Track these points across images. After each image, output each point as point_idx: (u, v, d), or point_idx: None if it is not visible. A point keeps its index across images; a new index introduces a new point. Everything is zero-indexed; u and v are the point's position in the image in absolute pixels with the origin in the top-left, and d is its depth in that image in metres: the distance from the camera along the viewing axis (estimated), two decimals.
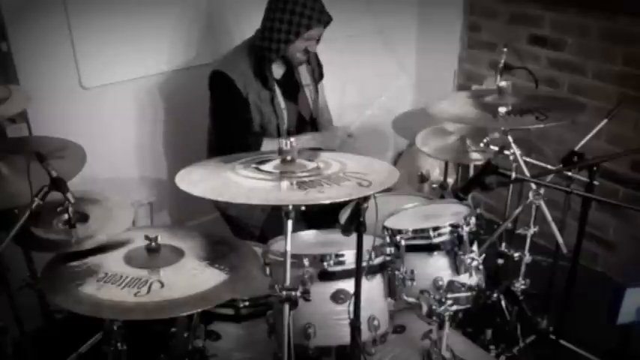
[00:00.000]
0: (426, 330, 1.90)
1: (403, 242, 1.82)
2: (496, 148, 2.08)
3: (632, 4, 2.63)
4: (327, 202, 1.44)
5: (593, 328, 2.39)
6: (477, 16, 3.36)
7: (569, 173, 2.00)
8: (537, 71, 2.67)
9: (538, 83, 2.57)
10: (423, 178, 2.80)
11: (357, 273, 1.57)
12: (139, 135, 2.86)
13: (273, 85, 2.48)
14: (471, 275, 1.86)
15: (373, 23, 3.35)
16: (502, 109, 2.07)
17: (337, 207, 1.91)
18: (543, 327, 2.34)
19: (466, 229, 1.87)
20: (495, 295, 2.17)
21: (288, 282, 1.53)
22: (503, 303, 2.36)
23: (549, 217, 2.19)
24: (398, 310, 1.84)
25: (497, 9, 3.23)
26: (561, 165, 1.94)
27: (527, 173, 2.00)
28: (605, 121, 2.31)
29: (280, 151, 1.67)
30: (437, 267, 1.85)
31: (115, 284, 1.54)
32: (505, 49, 2.45)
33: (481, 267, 1.89)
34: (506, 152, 2.06)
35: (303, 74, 2.63)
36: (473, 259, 1.85)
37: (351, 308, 1.61)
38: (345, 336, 1.64)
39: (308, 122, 2.65)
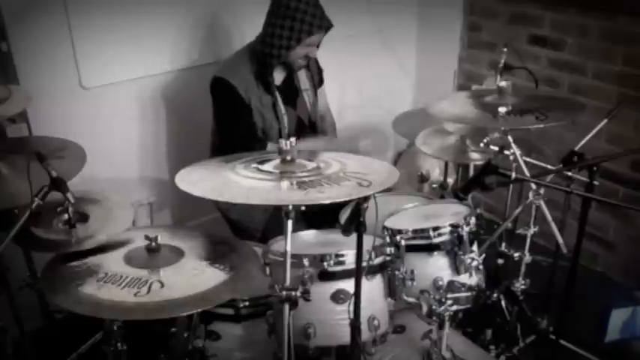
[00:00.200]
0: (426, 330, 1.89)
1: (403, 242, 1.82)
2: (496, 148, 2.08)
3: (632, 4, 2.63)
4: (327, 202, 1.44)
5: (593, 328, 2.40)
6: (477, 16, 3.36)
7: (569, 173, 2.00)
8: (537, 71, 2.67)
9: (538, 83, 2.57)
10: (423, 178, 2.80)
11: (357, 273, 1.57)
12: (138, 135, 2.86)
13: (274, 91, 2.48)
14: (471, 275, 1.86)
15: (373, 23, 3.35)
16: (502, 109, 2.07)
17: (337, 207, 1.91)
18: (543, 327, 2.34)
19: (466, 229, 1.87)
20: (495, 295, 2.17)
21: (288, 282, 1.53)
22: (503, 303, 2.36)
23: (549, 217, 2.18)
24: (398, 310, 1.83)
25: (497, 9, 3.23)
26: (561, 165, 1.94)
27: (527, 173, 2.00)
28: (605, 121, 2.31)
29: (280, 151, 1.67)
30: (437, 267, 1.85)
31: (115, 284, 1.54)
32: (505, 49, 2.45)
33: (481, 267, 1.89)
34: (506, 152, 2.06)
35: (302, 79, 2.63)
36: (473, 259, 1.85)
37: (351, 308, 1.61)
38: (345, 336, 1.64)
39: (307, 127, 2.65)
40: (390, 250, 1.78)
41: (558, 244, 2.22)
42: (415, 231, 1.84)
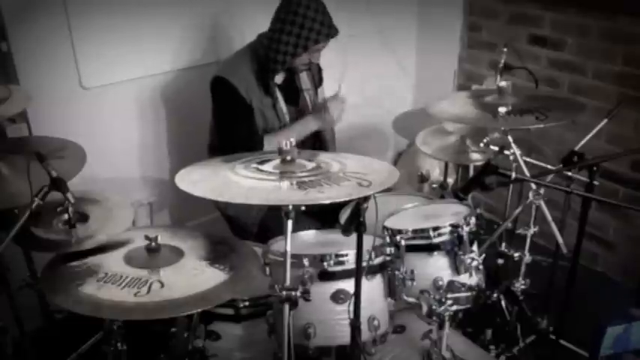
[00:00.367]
0: (426, 330, 1.89)
1: (403, 242, 1.82)
2: (496, 148, 2.08)
3: (632, 4, 2.63)
4: (327, 202, 1.44)
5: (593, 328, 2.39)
6: (477, 16, 3.36)
7: (569, 173, 2.00)
8: (537, 71, 2.67)
9: (538, 83, 2.57)
10: (423, 178, 2.80)
11: (357, 273, 1.57)
12: (138, 135, 2.86)
13: (274, 91, 2.48)
14: (471, 275, 1.86)
15: (373, 23, 3.35)
16: (502, 109, 2.07)
17: (337, 207, 1.91)
18: (543, 327, 2.34)
19: (466, 229, 1.87)
20: (495, 295, 2.17)
21: (288, 282, 1.53)
22: (503, 303, 2.36)
23: (549, 217, 2.19)
24: (398, 310, 1.83)
25: (497, 9, 3.23)
26: (561, 165, 1.93)
27: (527, 173, 2.00)
28: (605, 121, 2.31)
29: (280, 151, 1.67)
30: (437, 267, 1.85)
31: (115, 284, 1.54)
32: (505, 49, 2.45)
33: (481, 267, 1.89)
34: (506, 152, 2.06)
35: (304, 79, 2.63)
36: (473, 259, 1.85)
37: (351, 308, 1.61)
38: (345, 336, 1.64)
39: None
40: (390, 250, 1.78)
41: (558, 244, 2.22)
42: (415, 231, 1.84)
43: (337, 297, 1.67)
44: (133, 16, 2.60)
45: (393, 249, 1.79)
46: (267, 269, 1.75)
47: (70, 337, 2.25)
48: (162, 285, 1.54)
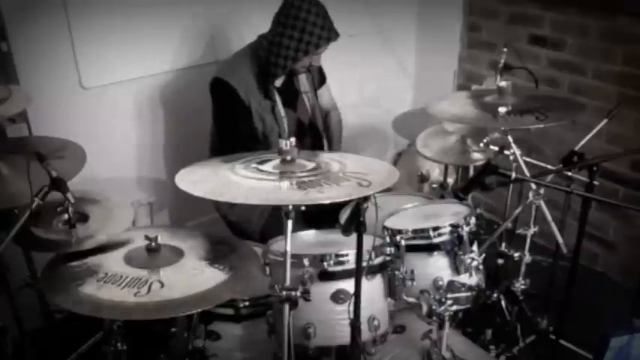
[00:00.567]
0: (426, 330, 1.89)
1: (403, 242, 1.82)
2: (496, 148, 2.08)
3: (632, 4, 2.63)
4: (327, 202, 1.44)
5: (593, 328, 2.39)
6: (477, 16, 3.36)
7: (569, 173, 2.00)
8: (537, 71, 2.67)
9: (538, 83, 2.57)
10: (423, 178, 2.80)
11: (357, 273, 1.57)
12: (138, 135, 2.86)
13: (273, 94, 2.48)
14: (471, 275, 1.86)
15: (372, 23, 3.35)
16: (502, 109, 2.07)
17: (337, 207, 1.91)
18: (543, 327, 2.34)
19: (466, 229, 1.87)
20: (495, 295, 2.17)
21: (288, 282, 1.53)
22: (503, 303, 2.36)
23: (549, 217, 2.19)
24: (398, 310, 1.83)
25: (497, 9, 3.23)
26: (561, 165, 1.93)
27: (527, 173, 2.00)
28: (605, 121, 2.31)
29: (280, 152, 1.67)
30: (437, 267, 1.85)
31: (115, 284, 1.54)
32: (505, 49, 2.45)
33: (481, 267, 1.89)
34: (506, 152, 2.06)
35: (302, 82, 2.63)
36: (473, 259, 1.85)
37: (351, 308, 1.60)
38: (345, 336, 1.64)
39: (307, 128, 2.65)
40: (390, 250, 1.78)
41: (558, 244, 2.22)
42: (415, 231, 1.84)
43: (337, 297, 1.67)
44: (133, 17, 2.60)
45: (393, 249, 1.79)
46: (267, 269, 1.75)
47: (70, 337, 2.25)
48: (162, 285, 1.54)
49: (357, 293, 1.59)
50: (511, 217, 2.37)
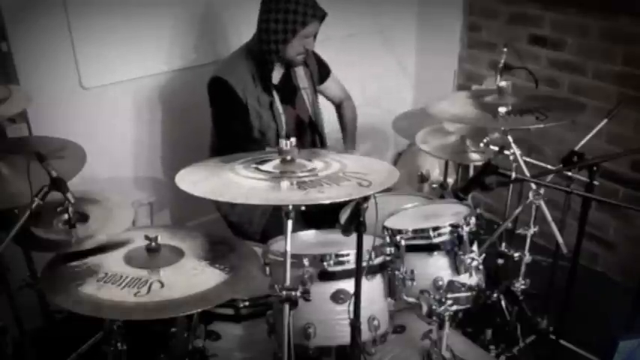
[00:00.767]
0: (426, 330, 1.89)
1: (403, 242, 1.82)
2: (496, 148, 2.08)
3: (632, 4, 2.63)
4: (327, 202, 1.44)
5: (593, 328, 2.39)
6: (477, 16, 3.36)
7: (569, 173, 2.00)
8: (537, 71, 2.67)
9: (538, 83, 2.57)
10: (423, 178, 2.80)
11: (357, 273, 1.57)
12: (139, 135, 2.86)
13: (271, 90, 2.48)
14: (471, 275, 1.86)
15: (373, 23, 3.35)
16: (502, 109, 2.07)
17: (337, 207, 1.91)
18: (543, 327, 2.33)
19: (466, 229, 1.87)
20: (495, 295, 2.17)
21: (288, 282, 1.53)
22: (503, 303, 2.36)
23: (549, 217, 2.18)
24: (398, 310, 1.83)
25: (497, 9, 3.23)
26: (561, 165, 1.93)
27: (527, 173, 2.00)
28: (605, 121, 2.31)
29: (280, 151, 1.67)
30: (437, 267, 1.85)
31: (115, 284, 1.54)
32: (505, 49, 2.45)
33: (481, 267, 1.89)
34: (506, 152, 2.06)
35: (300, 77, 2.62)
36: (473, 259, 1.85)
37: (351, 308, 1.60)
38: (345, 336, 1.64)
39: (307, 125, 2.65)
40: (390, 250, 1.78)
41: (558, 244, 2.22)
42: (415, 231, 1.84)
43: (337, 297, 1.67)
44: (133, 17, 2.60)
45: (393, 249, 1.79)
46: (267, 269, 1.75)
47: (70, 337, 2.25)
48: (162, 285, 1.54)
49: (357, 293, 1.59)
50: (511, 217, 2.37)
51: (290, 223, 1.51)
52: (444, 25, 3.52)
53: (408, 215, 1.92)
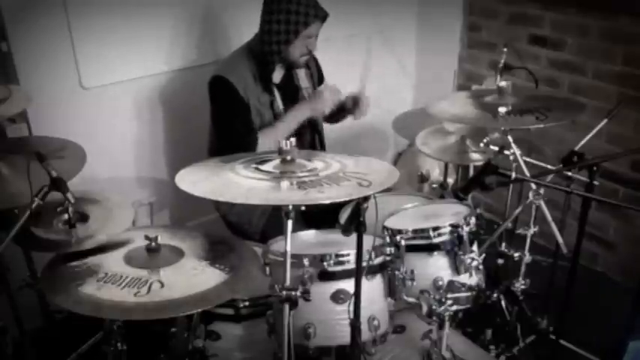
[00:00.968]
0: (426, 330, 1.89)
1: (403, 242, 1.82)
2: (496, 148, 2.08)
3: (632, 4, 2.63)
4: (327, 202, 1.44)
5: (593, 328, 2.40)
6: (477, 16, 3.36)
7: (569, 173, 2.00)
8: (537, 71, 2.67)
9: (538, 83, 2.57)
10: (423, 178, 2.80)
11: (357, 273, 1.57)
12: (139, 135, 2.86)
13: (272, 90, 2.48)
14: (471, 275, 1.86)
15: (373, 23, 3.35)
16: (502, 109, 2.07)
17: (337, 207, 1.91)
18: (543, 327, 2.34)
19: (466, 229, 1.87)
20: (495, 295, 2.17)
21: (288, 282, 1.53)
22: (503, 303, 2.37)
23: (549, 217, 2.19)
24: (398, 310, 1.83)
25: (497, 9, 3.23)
26: (561, 165, 1.93)
27: (527, 173, 2.00)
28: (605, 121, 2.31)
29: (280, 151, 1.67)
30: (437, 267, 1.85)
31: (115, 284, 1.54)
32: (505, 49, 2.45)
33: (481, 267, 1.89)
34: (506, 152, 2.06)
35: (302, 78, 2.63)
36: (473, 259, 1.85)
37: (351, 308, 1.60)
38: (345, 336, 1.64)
39: (307, 125, 2.64)
40: (390, 250, 1.78)
41: (558, 244, 2.22)
42: (415, 231, 1.84)
43: (337, 297, 1.67)
44: (133, 17, 2.60)
45: (393, 249, 1.79)
46: (267, 269, 1.76)
47: (70, 337, 2.26)
48: (162, 285, 1.54)
49: (357, 293, 1.59)
50: (511, 217, 2.37)
51: (290, 223, 1.51)
52: (444, 25, 3.52)
53: (408, 215, 1.92)
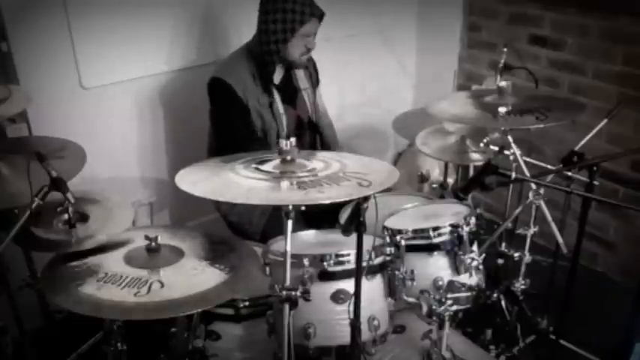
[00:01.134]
0: (426, 330, 1.89)
1: (403, 242, 1.82)
2: (496, 148, 2.08)
3: (632, 4, 2.63)
4: (327, 202, 1.44)
5: (593, 328, 2.40)
6: (477, 16, 3.36)
7: (569, 173, 2.00)
8: (537, 71, 2.67)
9: (538, 83, 2.57)
10: (423, 178, 2.80)
11: (357, 273, 1.57)
12: (139, 135, 2.86)
13: (272, 90, 2.48)
14: (471, 275, 1.86)
15: (373, 23, 3.35)
16: (502, 109, 2.07)
17: (337, 207, 1.91)
18: (543, 327, 2.34)
19: (466, 229, 1.87)
20: (495, 295, 2.17)
21: (288, 282, 1.53)
22: (503, 303, 2.36)
23: (549, 217, 2.18)
24: (398, 310, 1.83)
25: (497, 9, 3.23)
26: (561, 165, 1.93)
27: (527, 173, 2.00)
28: (605, 121, 2.31)
29: (280, 151, 1.67)
30: (437, 267, 1.85)
31: (115, 284, 1.54)
32: (505, 49, 2.45)
33: (481, 267, 1.89)
34: (506, 152, 2.06)
35: (301, 78, 2.63)
36: (473, 259, 1.85)
37: (351, 308, 1.60)
38: (345, 336, 1.64)
39: (307, 126, 2.65)
40: (390, 250, 1.78)
41: (558, 244, 2.22)
42: (415, 231, 1.84)
43: (337, 297, 1.67)
44: (133, 17, 2.60)
45: (393, 249, 1.79)
46: (267, 269, 1.75)
47: (70, 337, 2.25)
48: (162, 285, 1.54)
49: (357, 293, 1.59)
50: (511, 217, 2.37)
51: (290, 223, 1.51)
52: (444, 25, 3.52)
53: (408, 215, 1.92)
